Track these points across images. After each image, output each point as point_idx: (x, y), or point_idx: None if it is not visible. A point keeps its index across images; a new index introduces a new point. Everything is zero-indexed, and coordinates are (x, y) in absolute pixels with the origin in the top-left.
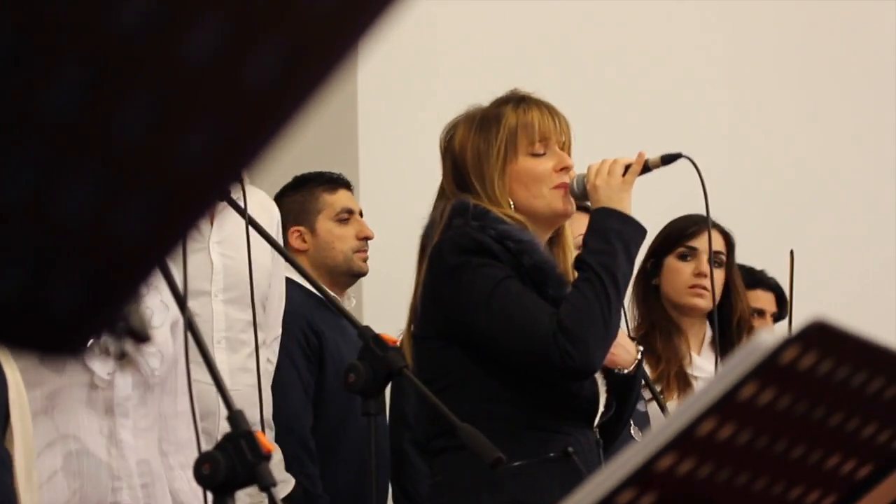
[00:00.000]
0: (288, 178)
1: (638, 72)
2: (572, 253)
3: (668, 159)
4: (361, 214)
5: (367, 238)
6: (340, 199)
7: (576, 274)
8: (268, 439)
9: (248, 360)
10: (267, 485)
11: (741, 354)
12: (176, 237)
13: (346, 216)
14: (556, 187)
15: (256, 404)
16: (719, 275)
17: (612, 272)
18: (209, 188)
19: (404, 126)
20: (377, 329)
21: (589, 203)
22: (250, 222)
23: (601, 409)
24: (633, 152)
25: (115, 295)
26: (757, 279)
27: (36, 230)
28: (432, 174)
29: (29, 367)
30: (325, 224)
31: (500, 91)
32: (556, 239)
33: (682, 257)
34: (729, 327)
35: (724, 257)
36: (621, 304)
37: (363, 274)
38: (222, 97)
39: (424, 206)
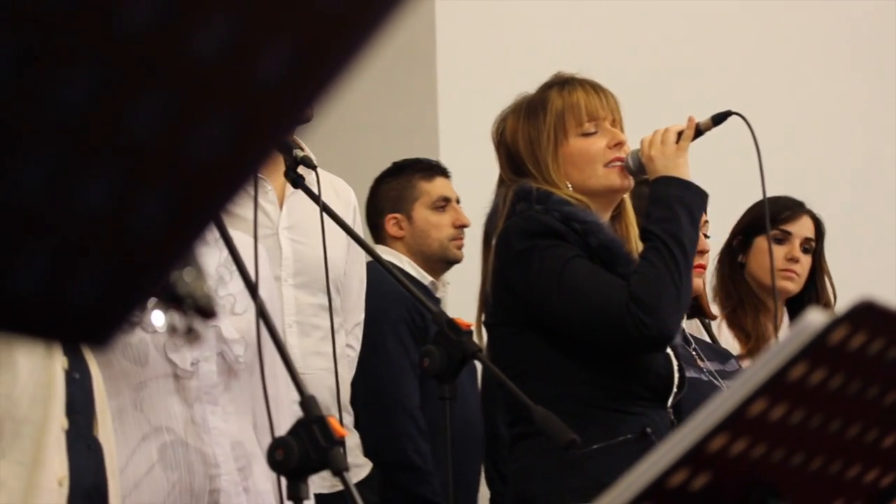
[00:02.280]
0: (369, 168)
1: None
2: (636, 228)
3: (718, 119)
4: (458, 202)
5: (463, 226)
6: (437, 186)
7: (641, 246)
8: (345, 424)
9: (320, 343)
10: (339, 469)
11: (790, 335)
12: (196, 230)
13: (443, 204)
14: (611, 163)
15: (329, 388)
16: (807, 260)
17: (678, 238)
18: (226, 182)
19: (484, 111)
20: (460, 315)
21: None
22: (324, 209)
23: (675, 388)
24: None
25: (138, 286)
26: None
27: (55, 223)
28: None
29: (112, 362)
30: (421, 212)
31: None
32: (619, 215)
33: (776, 240)
34: None
35: (813, 244)
36: (690, 269)
37: (458, 261)
38: (234, 92)
39: None
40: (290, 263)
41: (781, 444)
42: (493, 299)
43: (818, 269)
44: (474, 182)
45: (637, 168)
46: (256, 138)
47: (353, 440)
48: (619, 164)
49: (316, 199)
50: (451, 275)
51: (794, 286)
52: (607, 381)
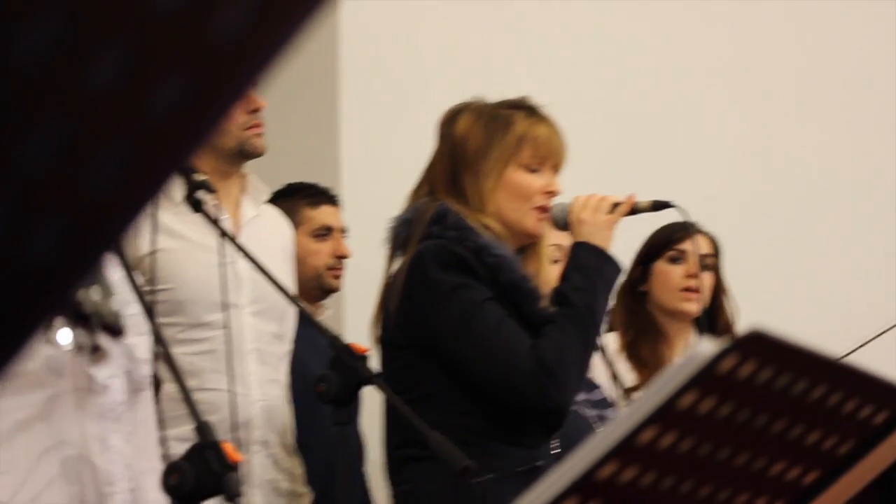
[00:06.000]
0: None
1: (636, 82)
2: (546, 265)
3: (657, 206)
4: (344, 232)
5: (342, 256)
6: (321, 214)
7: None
8: (292, 450)
9: (276, 371)
10: (233, 495)
11: (679, 364)
12: (92, 258)
13: (325, 232)
14: (536, 208)
15: (285, 416)
16: (708, 278)
17: (593, 311)
18: (122, 210)
19: (387, 132)
20: (359, 339)
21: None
22: (224, 235)
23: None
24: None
25: (33, 315)
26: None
27: None
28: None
29: (29, 371)
30: (301, 238)
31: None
32: (532, 249)
33: (673, 260)
34: (716, 330)
35: (712, 259)
36: (596, 346)
37: (334, 290)
38: (128, 123)
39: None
40: (248, 291)
41: (671, 473)
42: (396, 319)
43: (718, 289)
44: (374, 209)
45: (562, 223)
46: (151, 168)
47: (299, 470)
48: (544, 213)
49: (215, 224)
50: (348, 300)
51: (695, 307)
52: (500, 414)
